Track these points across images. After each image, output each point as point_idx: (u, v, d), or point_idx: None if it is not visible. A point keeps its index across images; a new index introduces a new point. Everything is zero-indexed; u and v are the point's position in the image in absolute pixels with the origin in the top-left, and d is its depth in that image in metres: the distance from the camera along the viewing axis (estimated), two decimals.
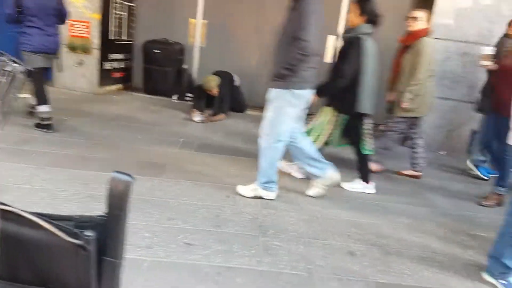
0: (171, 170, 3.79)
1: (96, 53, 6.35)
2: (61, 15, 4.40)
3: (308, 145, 3.52)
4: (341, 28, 6.66)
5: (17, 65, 3.25)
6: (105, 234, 0.90)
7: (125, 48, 7.16)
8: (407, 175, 4.44)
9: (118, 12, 6.74)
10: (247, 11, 6.96)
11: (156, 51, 6.82)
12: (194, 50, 7.17)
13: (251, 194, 3.40)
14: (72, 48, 6.26)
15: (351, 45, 3.52)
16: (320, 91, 3.55)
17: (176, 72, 6.96)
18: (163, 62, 6.85)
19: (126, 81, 7.32)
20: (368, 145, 3.73)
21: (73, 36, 6.27)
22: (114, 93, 6.85)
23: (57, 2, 4.31)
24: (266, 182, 3.38)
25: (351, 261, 2.67)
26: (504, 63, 3.91)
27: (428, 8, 5.44)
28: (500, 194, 3.92)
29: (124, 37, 7.04)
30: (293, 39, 3.01)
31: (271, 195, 3.41)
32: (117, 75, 7.02)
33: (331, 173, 3.53)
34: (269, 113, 3.26)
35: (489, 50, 3.67)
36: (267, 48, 6.97)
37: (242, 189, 3.45)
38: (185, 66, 7.10)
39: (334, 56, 4.04)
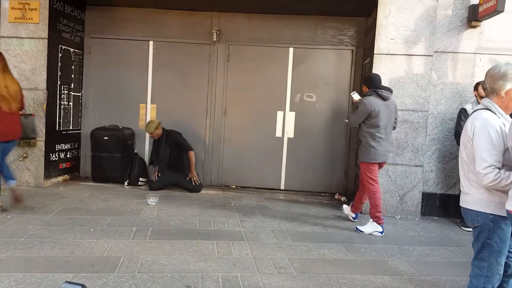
0: (125, 263, 3.56)
1: (41, 145, 6.16)
2: None
3: None
4: (288, 105, 6.95)
5: None
6: None
7: (73, 138, 7.01)
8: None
9: (64, 103, 6.68)
10: (197, 95, 7.13)
11: (105, 138, 6.73)
12: (145, 134, 7.15)
13: None
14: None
15: None
16: None
17: (126, 158, 6.85)
18: (113, 148, 6.74)
19: (73, 170, 7.09)
20: None
21: None
22: (60, 184, 6.57)
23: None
24: None
25: None
26: None
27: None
28: None
29: (71, 127, 6.92)
30: None
31: None
32: (64, 165, 6.79)
33: None
34: None
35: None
36: (218, 128, 7.10)
37: None
38: (136, 151, 7.02)
39: None
